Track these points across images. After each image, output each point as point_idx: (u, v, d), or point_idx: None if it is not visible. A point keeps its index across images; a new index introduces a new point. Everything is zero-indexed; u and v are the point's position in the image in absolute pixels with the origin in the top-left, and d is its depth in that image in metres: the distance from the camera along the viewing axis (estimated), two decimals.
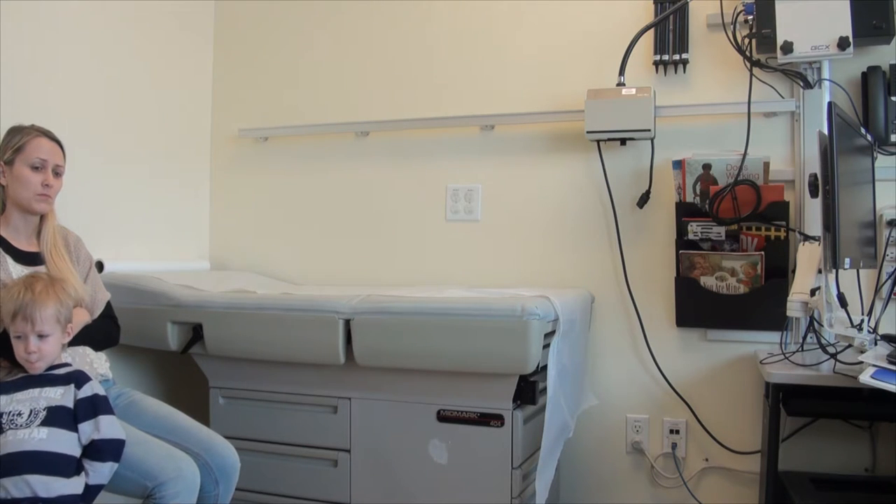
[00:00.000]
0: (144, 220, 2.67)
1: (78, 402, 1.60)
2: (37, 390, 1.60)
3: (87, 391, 1.62)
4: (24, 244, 1.84)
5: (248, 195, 2.97)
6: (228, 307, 2.22)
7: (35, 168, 1.80)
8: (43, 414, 1.56)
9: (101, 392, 1.66)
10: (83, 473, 1.56)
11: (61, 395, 1.60)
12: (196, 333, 2.26)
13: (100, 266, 2.27)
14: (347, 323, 2.09)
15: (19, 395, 1.58)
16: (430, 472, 2.10)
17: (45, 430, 1.54)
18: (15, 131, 1.83)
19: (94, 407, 1.61)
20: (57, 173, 1.85)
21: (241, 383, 2.30)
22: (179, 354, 2.31)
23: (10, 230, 1.82)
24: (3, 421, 1.54)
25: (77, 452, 1.57)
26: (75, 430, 1.58)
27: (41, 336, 1.61)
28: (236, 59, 3.00)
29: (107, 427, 1.61)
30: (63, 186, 1.88)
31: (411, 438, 2.12)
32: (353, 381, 2.16)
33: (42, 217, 1.87)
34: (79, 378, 1.64)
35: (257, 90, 2.97)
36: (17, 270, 1.77)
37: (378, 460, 2.15)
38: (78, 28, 2.38)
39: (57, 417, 1.57)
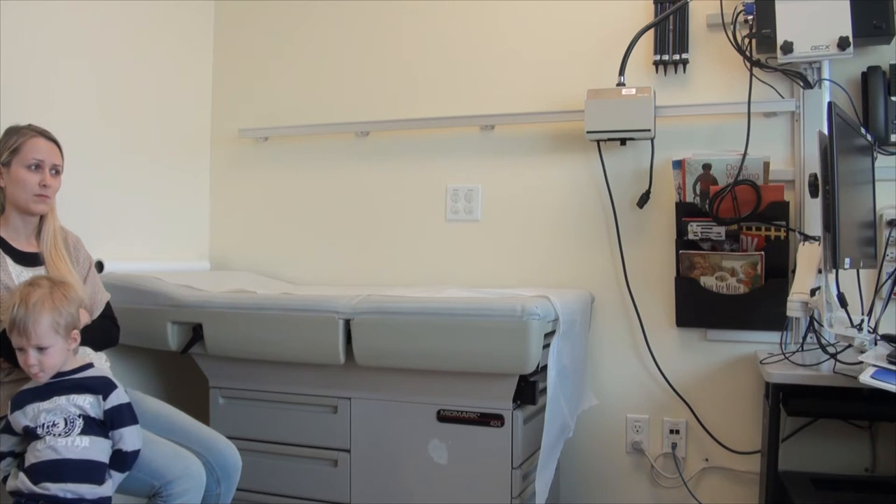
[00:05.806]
0: (144, 220, 2.67)
1: (107, 413, 1.60)
2: (63, 398, 1.58)
3: (113, 400, 1.61)
4: (24, 245, 1.83)
5: (248, 195, 2.97)
6: (228, 307, 2.22)
7: (32, 169, 1.79)
8: (80, 423, 1.56)
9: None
10: (109, 480, 1.57)
11: (90, 406, 1.59)
12: (196, 333, 2.26)
13: (100, 266, 2.27)
14: (347, 323, 2.09)
15: (45, 405, 1.56)
16: (430, 472, 2.09)
17: (86, 439, 1.55)
18: (11, 132, 1.82)
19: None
20: (55, 173, 1.84)
21: (241, 383, 2.30)
22: (179, 354, 2.31)
23: (9, 231, 1.81)
24: (40, 432, 1.54)
25: (108, 459, 1.58)
26: (108, 437, 1.59)
27: (40, 349, 1.56)
28: (236, 59, 2.99)
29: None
30: (62, 186, 1.88)
31: (411, 438, 2.12)
32: (353, 381, 2.16)
33: (42, 217, 1.86)
34: (106, 387, 1.62)
35: (257, 90, 2.96)
36: (16, 271, 1.77)
37: (378, 460, 2.15)
38: (77, 28, 2.38)
39: (94, 427, 1.57)
